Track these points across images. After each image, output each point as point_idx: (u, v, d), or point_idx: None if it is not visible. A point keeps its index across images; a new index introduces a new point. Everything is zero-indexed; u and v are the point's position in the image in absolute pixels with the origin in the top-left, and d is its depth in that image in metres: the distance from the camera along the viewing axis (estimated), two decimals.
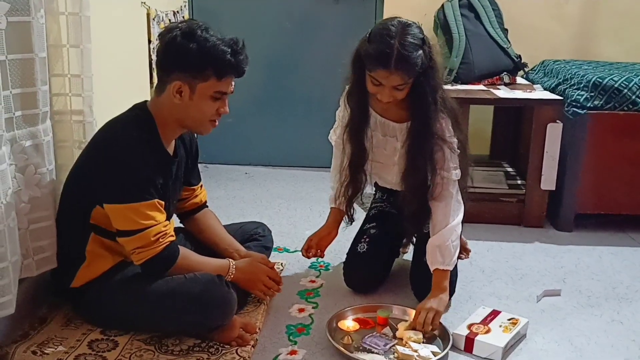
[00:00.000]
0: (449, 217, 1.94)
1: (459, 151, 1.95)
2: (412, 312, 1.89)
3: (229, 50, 1.62)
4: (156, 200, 1.62)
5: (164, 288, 1.66)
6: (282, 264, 2.29)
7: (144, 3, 2.67)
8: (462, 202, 2.00)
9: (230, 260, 1.82)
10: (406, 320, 1.84)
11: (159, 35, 1.70)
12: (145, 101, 1.75)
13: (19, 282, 1.63)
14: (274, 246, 2.21)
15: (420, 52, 1.77)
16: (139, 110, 1.71)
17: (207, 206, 2.03)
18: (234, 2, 3.46)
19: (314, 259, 2.35)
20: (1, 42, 1.52)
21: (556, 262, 2.41)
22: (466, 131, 2.03)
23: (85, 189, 1.66)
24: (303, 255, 2.15)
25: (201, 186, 2.03)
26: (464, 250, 2.38)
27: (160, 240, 1.62)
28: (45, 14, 1.70)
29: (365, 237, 2.15)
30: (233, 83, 1.68)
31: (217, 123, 1.71)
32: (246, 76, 3.77)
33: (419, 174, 1.94)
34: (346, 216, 2.15)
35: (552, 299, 2.09)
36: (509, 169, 3.21)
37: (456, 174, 1.95)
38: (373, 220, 2.20)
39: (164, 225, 1.64)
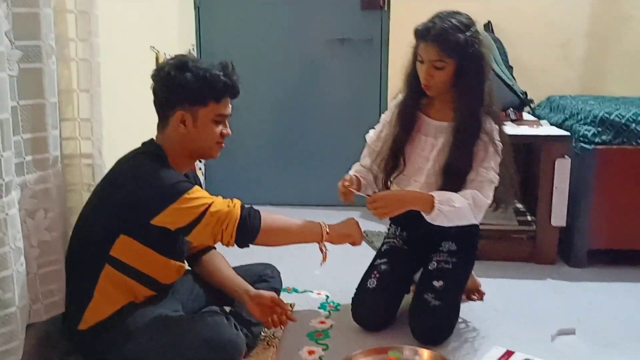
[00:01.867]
0: (470, 200, 1.88)
1: (502, 156, 1.94)
2: (424, 352, 1.85)
3: (221, 72, 1.70)
4: (197, 185, 1.66)
5: (174, 331, 1.65)
6: (291, 305, 2.26)
7: (153, 47, 2.71)
8: (485, 207, 1.94)
9: (322, 223, 1.79)
10: None
11: (152, 76, 1.74)
12: (152, 138, 1.77)
13: (29, 326, 1.62)
14: (283, 287, 2.19)
15: (462, 35, 1.85)
16: (149, 146, 1.75)
17: (214, 248, 2.02)
18: (242, 45, 3.51)
19: (324, 300, 2.33)
20: (13, 88, 1.54)
21: (570, 300, 2.37)
22: (508, 141, 2.03)
23: (106, 222, 1.66)
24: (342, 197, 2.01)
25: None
26: (477, 292, 2.36)
27: (230, 205, 1.63)
28: (56, 60, 1.73)
29: (375, 272, 2.13)
30: (230, 105, 1.75)
31: (223, 145, 1.78)
32: (255, 118, 3.84)
33: (459, 166, 1.93)
34: (383, 187, 2.10)
35: (567, 339, 2.05)
36: (519, 206, 3.19)
37: (494, 175, 1.93)
38: (384, 256, 2.18)
39: (222, 198, 1.66)
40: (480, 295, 2.36)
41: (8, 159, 1.47)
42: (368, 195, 1.88)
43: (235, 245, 1.64)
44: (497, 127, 1.97)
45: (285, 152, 3.63)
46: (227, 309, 1.96)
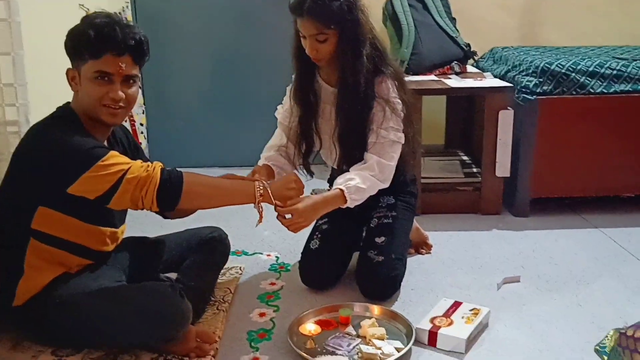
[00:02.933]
0: (375, 171, 1.91)
1: (403, 114, 1.94)
2: (374, 308, 1.87)
3: (95, 28, 1.55)
4: (112, 151, 1.54)
5: (114, 301, 1.59)
6: (240, 267, 2.24)
7: (82, 5, 2.56)
8: (392, 169, 1.95)
9: (256, 183, 1.67)
10: (369, 317, 1.82)
11: None
12: (68, 102, 1.67)
13: None
14: (232, 250, 2.16)
15: (337, 2, 1.81)
16: (62, 110, 1.64)
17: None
18: (176, 2, 3.36)
19: (273, 261, 2.31)
20: None
21: (514, 249, 2.42)
22: (412, 99, 2.03)
23: (24, 193, 1.57)
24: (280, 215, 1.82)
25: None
26: (425, 246, 2.38)
27: (149, 169, 1.53)
28: None
29: (317, 233, 2.11)
30: (123, 64, 1.57)
31: (116, 111, 1.60)
32: (193, 78, 3.71)
33: (352, 135, 1.93)
34: (305, 171, 2.11)
35: (512, 286, 2.10)
36: (465, 158, 3.23)
37: (396, 135, 1.94)
38: (325, 216, 2.14)
39: (140, 162, 1.56)
40: (428, 248, 2.39)
41: None
42: (278, 205, 1.76)
43: (158, 209, 1.56)
44: (395, 83, 1.95)
45: (226, 109, 3.53)
46: (173, 276, 1.92)
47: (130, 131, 3.09)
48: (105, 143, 1.70)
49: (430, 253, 2.38)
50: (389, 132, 1.93)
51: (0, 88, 1.78)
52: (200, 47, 3.44)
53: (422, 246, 2.38)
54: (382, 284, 1.98)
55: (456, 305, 1.87)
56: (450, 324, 1.76)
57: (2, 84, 1.78)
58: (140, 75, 1.66)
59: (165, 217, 1.88)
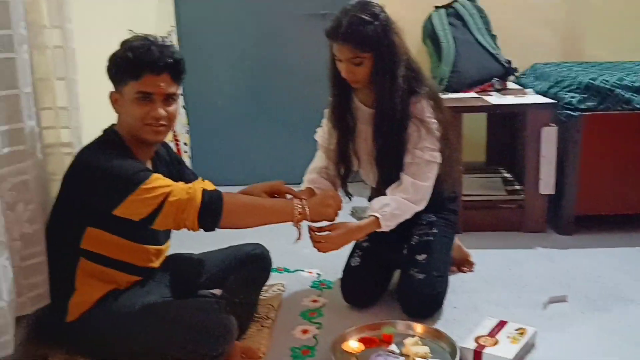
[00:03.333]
0: (410, 193, 1.92)
1: (438, 133, 1.94)
2: (417, 327, 1.86)
3: (133, 50, 1.62)
4: (155, 173, 1.59)
5: (162, 317, 1.64)
6: (282, 284, 2.26)
7: (131, 30, 2.65)
8: (427, 190, 1.96)
9: (295, 202, 1.72)
10: (412, 336, 1.81)
11: None
12: (113, 124, 1.74)
13: (18, 320, 1.61)
14: (274, 267, 2.18)
15: (371, 26, 1.83)
16: (108, 133, 1.71)
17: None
18: (221, 23, 3.47)
19: (315, 278, 2.33)
20: None
21: (559, 267, 2.38)
22: (449, 118, 2.03)
23: (73, 214, 1.64)
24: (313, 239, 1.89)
25: (202, 180, 1.99)
26: (467, 264, 2.36)
27: (190, 191, 1.57)
28: (30, 48, 1.69)
29: (358, 250, 2.13)
30: (162, 83, 1.63)
31: (159, 129, 1.66)
32: (234, 98, 3.79)
33: (389, 156, 1.95)
34: (344, 193, 2.13)
35: (558, 306, 2.06)
36: (507, 175, 3.20)
37: (432, 155, 1.94)
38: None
39: (182, 184, 1.61)
40: (471, 266, 2.37)
41: None
42: (314, 232, 1.84)
43: (199, 230, 1.60)
44: (431, 103, 1.95)
45: (268, 129, 3.60)
46: (218, 292, 1.95)
47: (174, 149, 3.21)
48: (149, 162, 1.76)
49: (472, 271, 2.36)
50: (424, 152, 1.94)
51: (55, 111, 1.85)
52: (241, 69, 3.53)
53: (464, 264, 2.37)
54: (424, 302, 1.98)
55: (501, 324, 1.85)
56: (496, 343, 1.74)
57: (58, 107, 1.85)
58: (179, 93, 1.72)
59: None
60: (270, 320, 1.97)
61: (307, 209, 1.71)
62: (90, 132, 1.90)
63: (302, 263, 2.46)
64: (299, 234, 1.76)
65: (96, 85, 1.83)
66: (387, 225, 1.91)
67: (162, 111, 1.65)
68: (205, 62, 3.48)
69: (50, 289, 1.69)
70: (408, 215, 1.95)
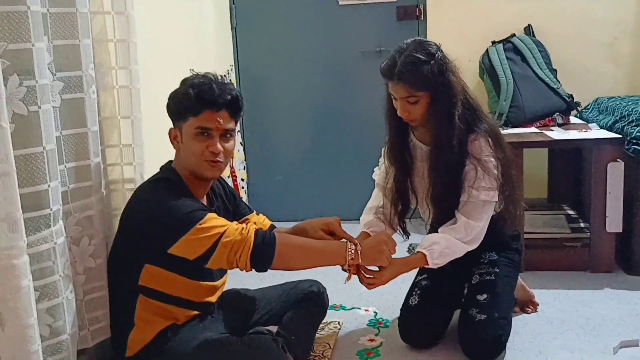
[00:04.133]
0: (462, 233, 1.88)
1: (496, 172, 1.89)
2: None
3: (194, 87, 1.66)
4: (210, 213, 1.62)
5: (221, 353, 1.65)
6: (339, 322, 2.23)
7: (192, 70, 2.74)
8: (480, 230, 1.90)
9: (348, 245, 1.72)
10: None
11: None
12: (170, 161, 1.78)
13: (78, 354, 1.63)
14: (330, 304, 2.16)
15: (426, 66, 1.81)
16: (165, 171, 1.76)
17: (275, 227, 1.99)
18: (279, 61, 3.54)
19: (372, 316, 2.28)
20: (55, 118, 1.57)
21: (630, 309, 2.25)
22: (510, 155, 1.98)
23: (131, 252, 1.67)
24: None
25: (257, 214, 2.01)
26: (531, 304, 2.27)
27: (244, 232, 1.60)
28: (98, 89, 1.76)
29: (416, 289, 2.08)
30: (221, 119, 1.67)
31: (217, 164, 1.69)
32: (292, 133, 3.82)
33: (445, 195, 1.92)
34: (401, 231, 2.11)
35: (630, 351, 1.94)
36: (570, 212, 3.08)
37: (488, 194, 1.88)
38: (424, 272, 2.13)
39: (236, 224, 1.64)
40: (534, 307, 2.27)
41: (55, 189, 1.49)
42: (362, 272, 1.83)
43: (252, 270, 1.62)
44: (490, 141, 1.90)
45: (324, 165, 3.62)
46: (274, 329, 1.94)
47: (232, 184, 3.26)
48: (205, 198, 1.79)
49: (536, 312, 2.26)
50: (480, 192, 1.89)
51: (120, 148, 1.92)
52: (298, 106, 3.58)
53: (528, 304, 2.27)
54: (486, 344, 1.90)
55: None
56: None
57: (122, 144, 1.92)
58: (236, 129, 1.76)
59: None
60: (326, 359, 1.94)
61: (359, 253, 1.71)
62: (152, 168, 1.96)
63: (358, 301, 2.42)
64: (349, 276, 1.77)
65: (158, 123, 1.89)
66: (434, 264, 1.87)
67: (219, 146, 1.68)
68: (262, 100, 3.55)
69: (110, 323, 1.72)
70: (458, 255, 1.90)
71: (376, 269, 1.83)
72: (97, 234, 1.72)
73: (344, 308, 2.38)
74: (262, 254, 1.60)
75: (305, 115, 3.60)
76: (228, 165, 3.17)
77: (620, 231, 2.56)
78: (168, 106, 1.73)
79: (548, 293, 2.39)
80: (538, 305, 2.28)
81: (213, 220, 1.60)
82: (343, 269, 1.77)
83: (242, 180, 3.50)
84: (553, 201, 3.33)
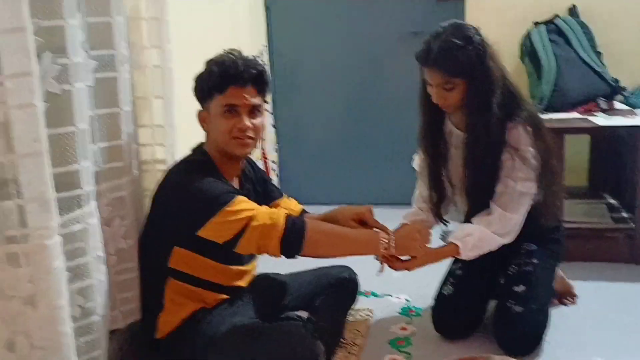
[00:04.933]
0: (497, 225, 1.81)
1: (535, 162, 1.81)
2: None
3: (218, 65, 1.64)
4: (239, 196, 1.58)
5: (251, 339, 1.63)
6: (370, 310, 2.19)
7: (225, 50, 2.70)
8: (517, 223, 1.84)
9: (381, 235, 1.68)
10: None
11: None
12: (201, 142, 1.75)
13: (110, 335, 1.63)
14: (361, 291, 2.12)
15: (464, 51, 1.73)
16: (196, 152, 1.73)
17: (306, 212, 1.95)
18: (313, 42, 3.47)
19: (404, 304, 2.24)
20: (89, 98, 1.55)
21: None
22: (551, 144, 1.89)
23: (161, 234, 1.65)
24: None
25: (288, 198, 1.97)
26: (570, 296, 2.20)
27: (274, 217, 1.56)
28: (131, 68, 1.74)
29: (450, 279, 2.03)
30: (247, 95, 1.63)
31: (245, 141, 1.65)
32: (325, 116, 3.76)
33: (481, 185, 1.85)
34: (438, 220, 2.05)
35: None
36: (612, 201, 2.97)
37: (525, 185, 1.81)
38: (459, 261, 2.04)
39: (266, 208, 1.60)
40: (573, 299, 2.20)
41: (87, 169, 1.47)
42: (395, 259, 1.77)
43: (281, 257, 1.58)
44: (530, 129, 1.82)
45: (357, 149, 3.55)
46: (304, 314, 1.91)
47: (263, 167, 3.23)
48: (236, 179, 1.76)
49: (575, 304, 2.18)
50: (517, 183, 1.82)
51: (152, 129, 1.89)
52: (332, 89, 3.51)
53: (567, 296, 2.20)
54: (522, 338, 1.84)
55: None
56: None
57: (155, 125, 1.89)
58: (264, 105, 1.72)
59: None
60: (357, 347, 1.91)
61: (392, 244, 1.65)
62: (184, 149, 1.93)
63: (390, 288, 2.37)
64: (382, 267, 1.73)
65: (191, 104, 1.86)
66: (467, 255, 1.82)
67: (248, 122, 1.65)
68: (295, 82, 3.50)
69: (140, 305, 1.71)
70: (492, 248, 1.85)
71: (408, 257, 1.77)
72: (129, 215, 1.70)
73: (375, 295, 2.33)
74: (292, 239, 1.56)
75: (338, 98, 3.54)
76: (259, 147, 3.16)
77: None
78: (194, 88, 1.70)
79: (588, 285, 2.31)
80: (577, 297, 2.20)
81: (242, 204, 1.57)
82: (376, 259, 1.72)
83: (274, 162, 3.47)
84: (594, 189, 3.21)
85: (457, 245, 1.81)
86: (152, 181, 1.90)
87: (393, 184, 3.40)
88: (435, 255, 1.82)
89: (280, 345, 1.58)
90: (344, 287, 1.99)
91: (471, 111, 1.82)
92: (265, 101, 1.74)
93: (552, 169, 1.88)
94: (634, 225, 2.54)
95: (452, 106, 1.84)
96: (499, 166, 1.84)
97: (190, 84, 1.75)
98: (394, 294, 2.33)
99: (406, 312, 2.19)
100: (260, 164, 3.15)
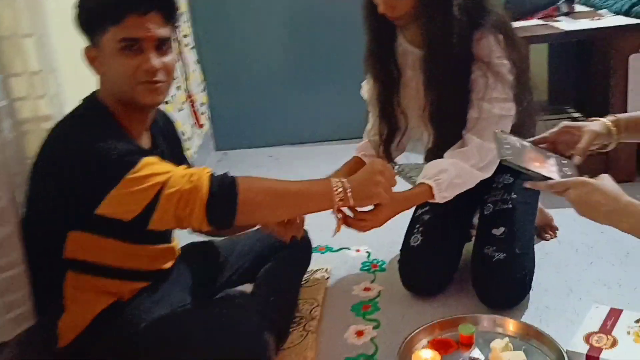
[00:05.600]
0: (475, 158, 1.50)
1: (511, 77, 1.51)
2: (508, 323, 1.46)
3: None
4: (147, 157, 1.20)
5: (179, 336, 1.29)
6: (326, 270, 1.88)
7: None
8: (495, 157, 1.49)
9: (333, 183, 1.28)
10: (500, 336, 1.41)
11: None
12: (94, 91, 1.34)
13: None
14: (314, 246, 1.81)
15: None
16: (87, 103, 1.32)
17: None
18: None
19: (365, 258, 1.93)
20: None
21: None
22: (526, 52, 1.64)
23: (49, 215, 1.26)
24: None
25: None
26: (549, 228, 1.94)
27: (193, 178, 1.18)
28: None
29: (418, 226, 1.72)
30: (151, 25, 1.23)
31: (156, 86, 1.26)
32: (261, 45, 3.26)
33: (446, 111, 1.54)
34: (386, 156, 1.72)
35: None
36: (576, 114, 2.74)
37: (503, 107, 1.51)
38: (426, 204, 1.72)
39: (183, 168, 1.22)
40: (554, 232, 1.95)
41: None
42: (356, 210, 1.40)
43: (210, 229, 1.21)
44: (500, 37, 1.50)
45: (300, 81, 3.13)
46: (248, 288, 1.59)
47: (190, 112, 2.81)
48: (147, 135, 1.37)
49: (556, 237, 1.94)
50: (493, 105, 1.50)
51: (27, 77, 1.46)
52: (265, 12, 3.03)
53: (546, 229, 1.94)
54: (507, 288, 1.57)
55: (614, 314, 1.42)
56: (614, 343, 1.32)
57: (30, 72, 1.46)
58: (174, 38, 1.31)
59: (219, 236, 1.56)
60: (315, 320, 1.60)
61: (349, 192, 1.28)
62: (75, 101, 1.51)
63: (347, 239, 2.05)
64: (339, 225, 1.36)
65: (76, 41, 1.44)
66: (442, 197, 1.49)
67: (156, 62, 1.25)
68: (221, 5, 3.01)
69: (34, 307, 1.33)
70: (470, 185, 1.54)
71: (371, 207, 1.43)
72: (3, 193, 1.29)
73: (330, 250, 2.02)
74: (221, 205, 1.19)
75: (274, 21, 3.06)
76: (183, 89, 2.73)
77: None
78: (77, 17, 1.26)
79: (565, 213, 2.03)
80: (557, 229, 1.95)
81: (151, 167, 1.18)
82: (334, 215, 1.37)
83: (203, 104, 3.04)
84: (555, 103, 2.97)
85: (429, 187, 1.48)
86: (36, 145, 1.49)
87: (344, 118, 3.04)
88: (405, 201, 1.49)
89: (215, 343, 1.25)
90: (293, 248, 1.64)
91: (427, 18, 1.47)
92: (175, 32, 1.33)
93: (529, 84, 1.57)
94: None
95: (404, 16, 1.48)
96: (469, 88, 1.51)
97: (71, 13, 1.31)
98: (352, 246, 2.01)
99: (368, 267, 1.89)
100: (186, 110, 2.73)
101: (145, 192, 1.15)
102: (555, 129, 1.34)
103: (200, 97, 3.00)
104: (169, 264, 1.45)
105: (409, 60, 1.62)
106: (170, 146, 1.48)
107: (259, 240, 1.65)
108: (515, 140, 1.31)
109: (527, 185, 1.28)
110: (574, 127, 1.31)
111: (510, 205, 1.65)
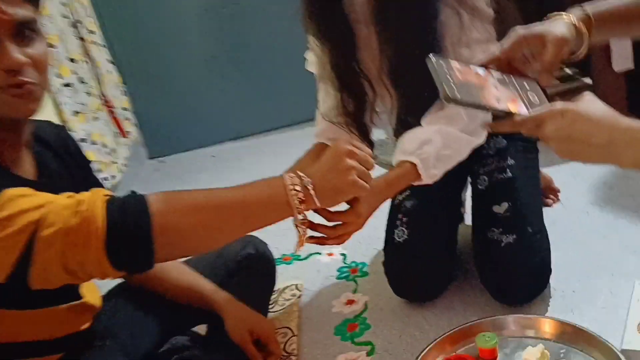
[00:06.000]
0: (461, 120, 1.19)
1: (491, 10, 1.20)
2: (544, 322, 1.14)
3: None
4: (11, 189, 0.83)
5: None
6: (296, 286, 1.54)
7: None
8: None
9: (286, 179, 0.93)
10: (531, 341, 1.10)
11: None
12: None
13: None
14: (278, 257, 1.47)
15: None
16: None
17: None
18: None
19: (340, 263, 1.60)
20: None
21: None
22: None
23: None
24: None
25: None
26: (550, 192, 1.65)
27: (81, 208, 0.82)
28: None
29: (400, 216, 1.38)
30: (4, 5, 0.86)
31: (26, 88, 0.90)
32: (185, 35, 2.87)
33: (411, 65, 1.16)
34: (360, 137, 1.36)
35: None
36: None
37: (486, 50, 1.18)
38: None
39: (65, 196, 0.85)
40: (556, 195, 1.66)
41: None
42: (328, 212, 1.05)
43: (118, 274, 0.85)
44: None
45: (234, 69, 2.79)
46: (203, 329, 1.24)
47: (110, 119, 2.42)
48: (28, 158, 0.99)
49: (558, 201, 1.65)
50: (474, 50, 1.19)
51: None
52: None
53: (547, 193, 1.65)
54: (524, 278, 1.26)
55: None
56: None
57: None
58: (40, 21, 0.93)
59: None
60: (291, 358, 1.26)
61: (310, 190, 0.94)
62: None
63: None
64: (301, 237, 0.97)
65: None
66: (431, 176, 1.18)
67: (18, 55, 0.87)
68: None
69: None
70: (463, 156, 1.23)
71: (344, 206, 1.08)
72: None
73: (298, 258, 1.68)
74: (127, 238, 0.82)
75: (192, 6, 2.70)
76: (96, 94, 2.32)
77: (632, 67, 1.95)
78: None
79: (562, 170, 1.76)
80: (559, 191, 1.67)
81: (17, 201, 0.81)
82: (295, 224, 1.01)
83: (125, 109, 2.64)
84: None
85: (412, 164, 1.16)
86: None
87: (288, 102, 2.73)
88: (387, 189, 1.16)
89: None
90: (253, 269, 1.32)
91: None
92: (40, 13, 0.95)
93: (514, 16, 1.26)
94: (591, 80, 2.03)
95: None
96: (438, 33, 1.18)
97: None
98: (322, 250, 1.67)
99: (346, 274, 1.56)
100: (102, 118, 2.33)
101: (12, 239, 0.79)
102: (507, 41, 0.99)
103: (121, 102, 2.60)
104: (87, 322, 1.08)
105: (359, 12, 1.28)
106: (67, 168, 1.10)
107: (210, 265, 1.31)
108: (458, 66, 0.96)
109: (486, 128, 0.95)
110: (533, 36, 0.95)
111: (509, 174, 1.34)
